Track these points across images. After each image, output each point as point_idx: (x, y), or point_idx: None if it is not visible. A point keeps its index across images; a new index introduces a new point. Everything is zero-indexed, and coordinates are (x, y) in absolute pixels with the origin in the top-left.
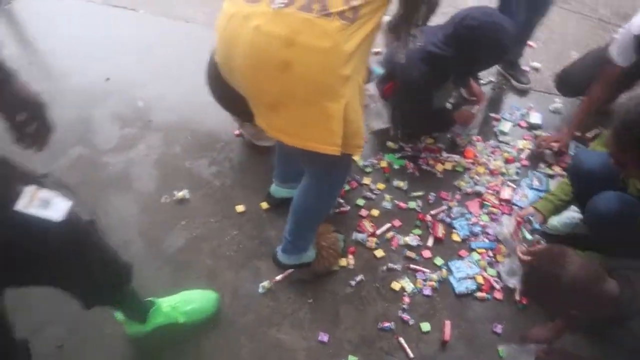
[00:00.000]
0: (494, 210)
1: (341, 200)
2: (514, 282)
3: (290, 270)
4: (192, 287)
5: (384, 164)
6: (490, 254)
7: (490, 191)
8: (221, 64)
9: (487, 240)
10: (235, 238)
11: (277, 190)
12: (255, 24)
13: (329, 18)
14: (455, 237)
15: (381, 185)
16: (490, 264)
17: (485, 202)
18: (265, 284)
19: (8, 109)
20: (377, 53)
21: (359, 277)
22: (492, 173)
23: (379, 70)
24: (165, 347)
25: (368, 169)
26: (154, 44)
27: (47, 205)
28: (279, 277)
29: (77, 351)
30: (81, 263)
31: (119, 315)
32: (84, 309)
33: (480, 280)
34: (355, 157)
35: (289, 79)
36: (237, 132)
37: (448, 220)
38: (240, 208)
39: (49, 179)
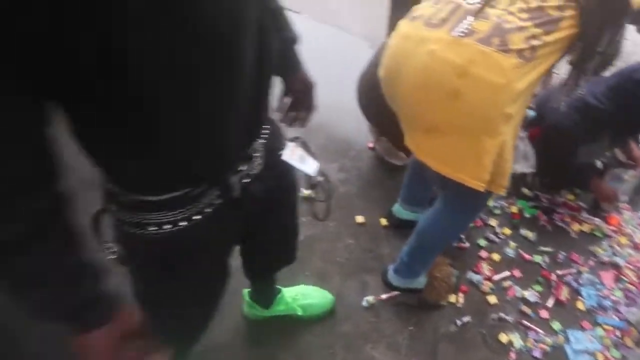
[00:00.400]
0: (631, 287)
1: (462, 236)
2: None
3: (396, 292)
4: (301, 283)
5: (514, 209)
6: (618, 334)
7: (630, 266)
8: (385, 79)
9: (616, 318)
10: (350, 247)
11: (399, 210)
12: (431, 48)
13: (506, 54)
14: (580, 305)
15: (507, 231)
16: (616, 345)
17: (622, 277)
18: (370, 298)
19: (294, 90)
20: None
21: (466, 318)
22: (636, 247)
23: (532, 113)
24: (270, 333)
25: (497, 211)
26: (311, 46)
27: (303, 160)
28: (384, 296)
29: None
30: (293, 224)
31: (246, 295)
32: (249, 279)
33: (600, 358)
34: None
35: (454, 108)
36: (370, 144)
37: (575, 285)
38: (359, 219)
39: (299, 140)
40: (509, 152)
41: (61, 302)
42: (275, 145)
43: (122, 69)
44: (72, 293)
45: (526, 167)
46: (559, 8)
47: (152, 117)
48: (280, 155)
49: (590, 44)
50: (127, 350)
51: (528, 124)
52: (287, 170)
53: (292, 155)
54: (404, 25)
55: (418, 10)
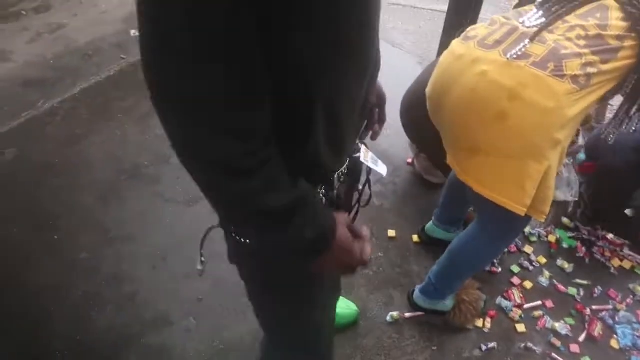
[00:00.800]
0: None
1: (495, 260)
2: None
3: (420, 313)
4: None
5: (552, 238)
6: None
7: None
8: (432, 96)
9: None
10: (379, 260)
11: (432, 228)
12: (482, 69)
13: (561, 79)
14: (614, 344)
15: (542, 259)
16: None
17: None
18: (395, 314)
19: (370, 102)
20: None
21: (491, 344)
22: None
23: (583, 156)
24: None
25: (533, 238)
26: None
27: (375, 162)
28: (408, 315)
29: (213, 307)
30: None
31: None
32: None
33: None
34: None
35: (500, 130)
36: (409, 160)
37: (610, 322)
38: (391, 233)
39: (364, 144)
40: (552, 178)
41: (311, 231)
42: (354, 149)
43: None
44: (315, 225)
45: (569, 195)
46: (619, 38)
47: (307, 98)
48: (357, 157)
49: None
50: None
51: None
52: (359, 174)
53: (366, 157)
54: (456, 44)
55: (473, 30)
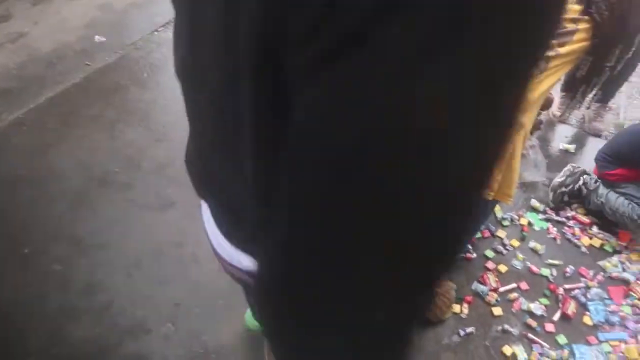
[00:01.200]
0: None
1: (469, 246)
2: None
3: None
4: None
5: (524, 221)
6: (624, 348)
7: None
8: None
9: (625, 334)
10: None
11: None
12: None
13: None
14: (587, 320)
15: (515, 243)
16: None
17: (632, 293)
18: None
19: None
20: None
21: (469, 329)
22: None
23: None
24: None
25: (505, 222)
26: None
27: None
28: None
29: (191, 312)
30: None
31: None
32: None
33: None
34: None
35: None
36: None
37: (583, 299)
38: None
39: None
40: (517, 161)
41: None
42: None
43: None
44: None
45: (537, 176)
46: (574, 21)
47: None
48: None
49: (600, 58)
50: None
51: (601, 162)
52: None
53: None
54: None
55: None
